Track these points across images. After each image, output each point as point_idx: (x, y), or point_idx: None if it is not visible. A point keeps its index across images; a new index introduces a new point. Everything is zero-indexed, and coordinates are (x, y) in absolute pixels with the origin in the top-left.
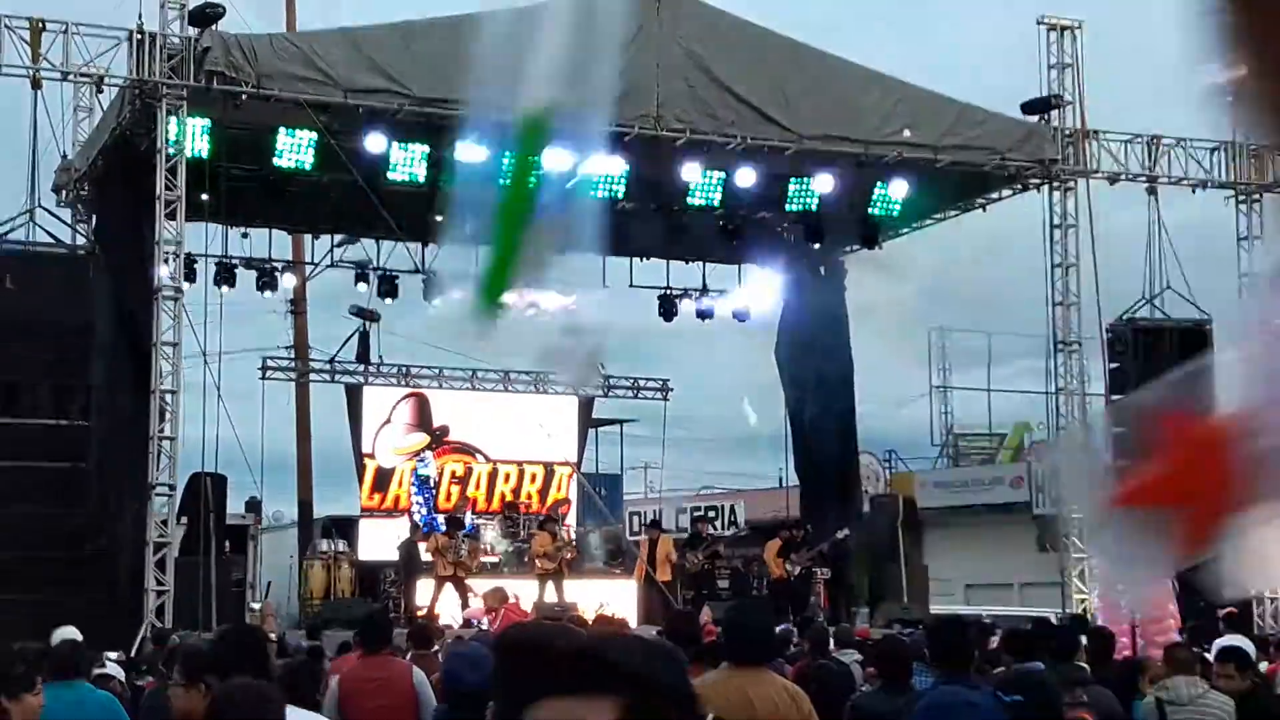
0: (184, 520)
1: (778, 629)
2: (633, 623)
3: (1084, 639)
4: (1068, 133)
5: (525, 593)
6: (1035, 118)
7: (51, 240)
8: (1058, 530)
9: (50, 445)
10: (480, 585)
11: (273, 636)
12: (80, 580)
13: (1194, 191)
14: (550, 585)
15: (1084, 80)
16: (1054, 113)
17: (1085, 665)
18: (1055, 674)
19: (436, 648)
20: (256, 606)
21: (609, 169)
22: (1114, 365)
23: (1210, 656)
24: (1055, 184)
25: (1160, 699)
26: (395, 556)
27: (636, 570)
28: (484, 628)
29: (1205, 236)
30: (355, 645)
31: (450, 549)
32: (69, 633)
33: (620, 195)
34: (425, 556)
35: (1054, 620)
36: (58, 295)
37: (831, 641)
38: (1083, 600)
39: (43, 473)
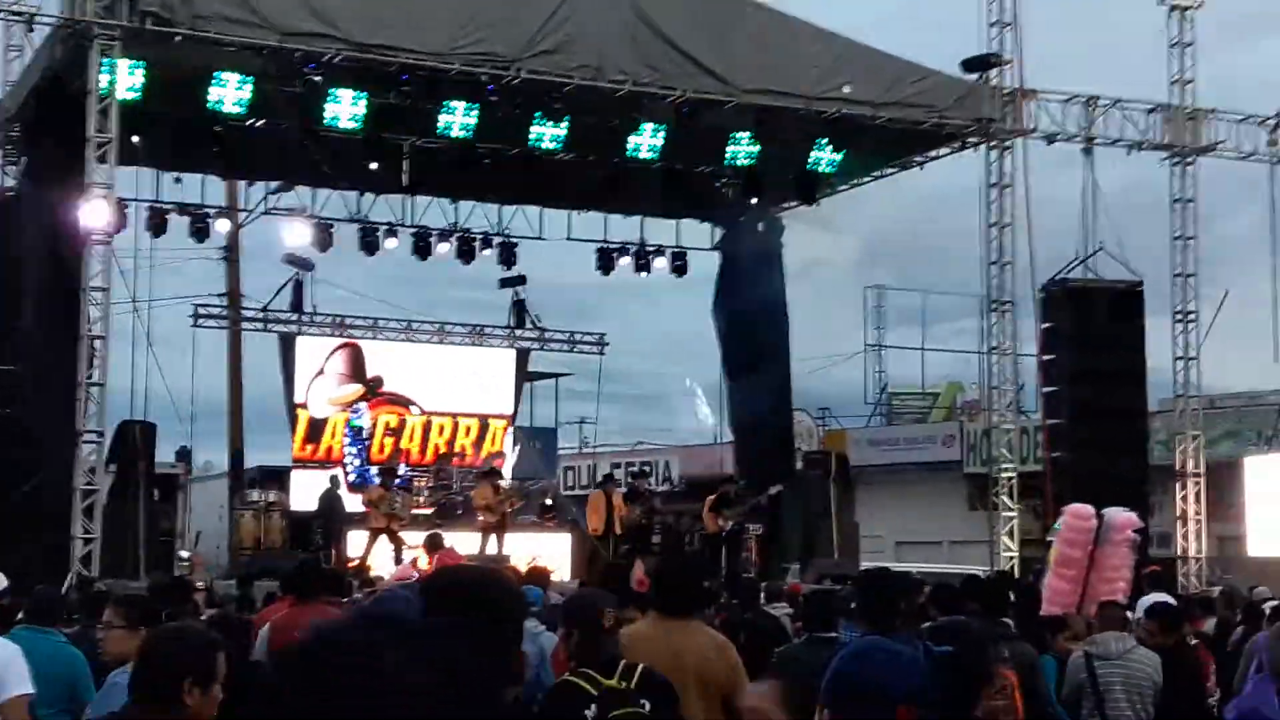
0: (112, 468)
1: (706, 583)
2: (565, 575)
3: (1011, 595)
4: (1006, 92)
5: (457, 544)
6: (974, 76)
7: None
8: (988, 489)
9: None
10: (413, 538)
11: (200, 586)
12: (8, 526)
13: (1129, 152)
14: (492, 537)
15: (1023, 39)
16: (992, 71)
17: (1009, 621)
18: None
19: (360, 597)
20: (185, 555)
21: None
22: (1047, 325)
23: (1135, 614)
24: (993, 143)
25: (1089, 653)
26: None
27: (592, 523)
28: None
29: (1140, 198)
30: (282, 595)
31: (384, 501)
32: None
33: (559, 147)
34: (353, 508)
35: (982, 577)
36: None
37: (763, 596)
38: (1011, 558)
39: None
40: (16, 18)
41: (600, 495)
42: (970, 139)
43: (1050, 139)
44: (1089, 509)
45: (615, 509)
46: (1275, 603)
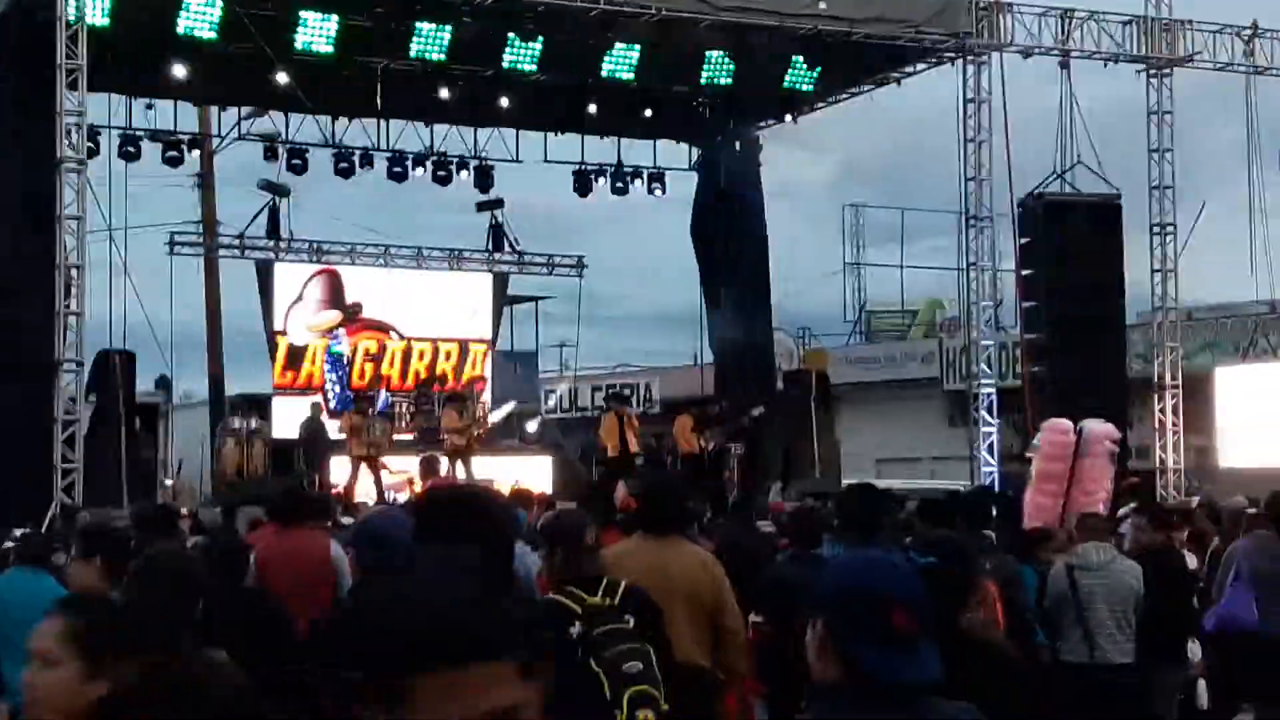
0: (92, 398)
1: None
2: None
3: (992, 509)
4: (982, 6)
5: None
6: None
7: None
8: (967, 405)
9: None
10: (397, 463)
11: (185, 513)
12: None
13: (1105, 65)
14: (459, 463)
15: None
16: None
17: (990, 534)
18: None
19: (346, 521)
20: (169, 484)
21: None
22: (1025, 240)
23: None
24: (969, 57)
25: (1070, 564)
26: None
27: (609, 447)
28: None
29: (1116, 111)
30: (267, 521)
31: (364, 428)
32: None
33: (534, 68)
34: (334, 435)
35: (963, 492)
36: None
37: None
38: (991, 473)
39: None
40: None
41: (612, 418)
42: (946, 54)
43: (1026, 53)
44: (1067, 423)
45: (627, 429)
46: (1253, 511)
